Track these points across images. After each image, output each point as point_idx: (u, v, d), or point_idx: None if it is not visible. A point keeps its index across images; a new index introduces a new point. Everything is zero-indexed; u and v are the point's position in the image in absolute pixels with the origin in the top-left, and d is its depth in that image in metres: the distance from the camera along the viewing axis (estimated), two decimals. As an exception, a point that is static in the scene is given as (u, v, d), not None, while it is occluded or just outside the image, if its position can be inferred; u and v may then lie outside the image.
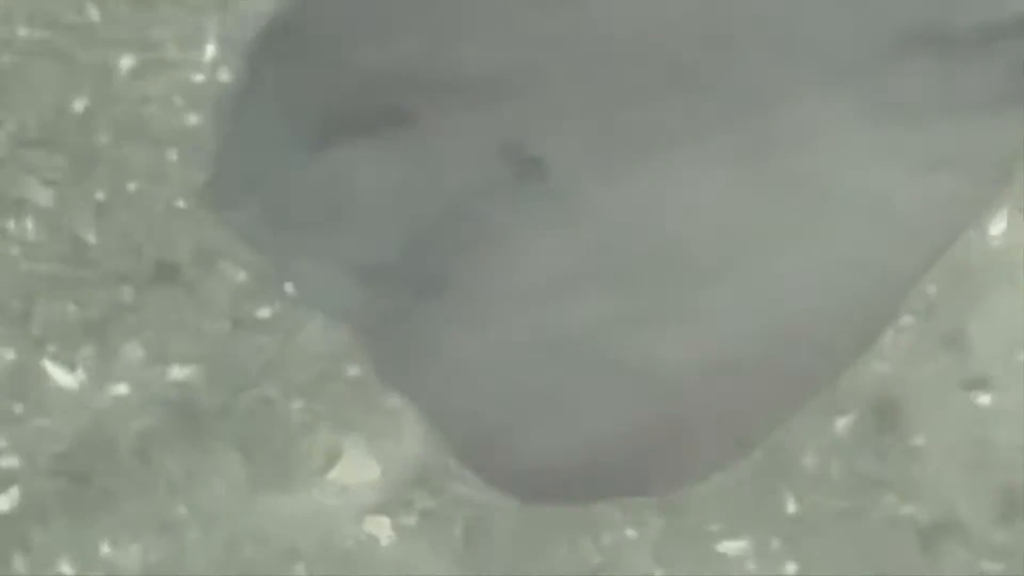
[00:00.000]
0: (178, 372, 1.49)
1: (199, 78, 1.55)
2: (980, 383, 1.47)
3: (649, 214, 1.45)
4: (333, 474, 1.46)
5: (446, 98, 1.44)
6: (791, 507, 1.45)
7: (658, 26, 1.48)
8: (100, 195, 1.54)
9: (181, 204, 1.52)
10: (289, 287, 1.45)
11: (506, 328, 1.44)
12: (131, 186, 1.54)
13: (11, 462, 1.51)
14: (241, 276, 1.50)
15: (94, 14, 1.57)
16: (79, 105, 1.55)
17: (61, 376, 1.50)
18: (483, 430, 1.44)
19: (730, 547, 1.44)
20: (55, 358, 1.50)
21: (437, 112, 1.44)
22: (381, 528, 1.46)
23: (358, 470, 1.46)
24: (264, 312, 1.48)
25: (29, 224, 1.54)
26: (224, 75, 1.53)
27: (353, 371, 1.47)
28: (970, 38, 1.46)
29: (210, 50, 1.55)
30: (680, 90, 1.48)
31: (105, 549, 1.46)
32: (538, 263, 1.46)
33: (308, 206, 1.45)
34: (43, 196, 1.54)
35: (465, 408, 1.45)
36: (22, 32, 1.58)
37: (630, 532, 1.43)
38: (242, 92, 1.51)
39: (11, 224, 1.54)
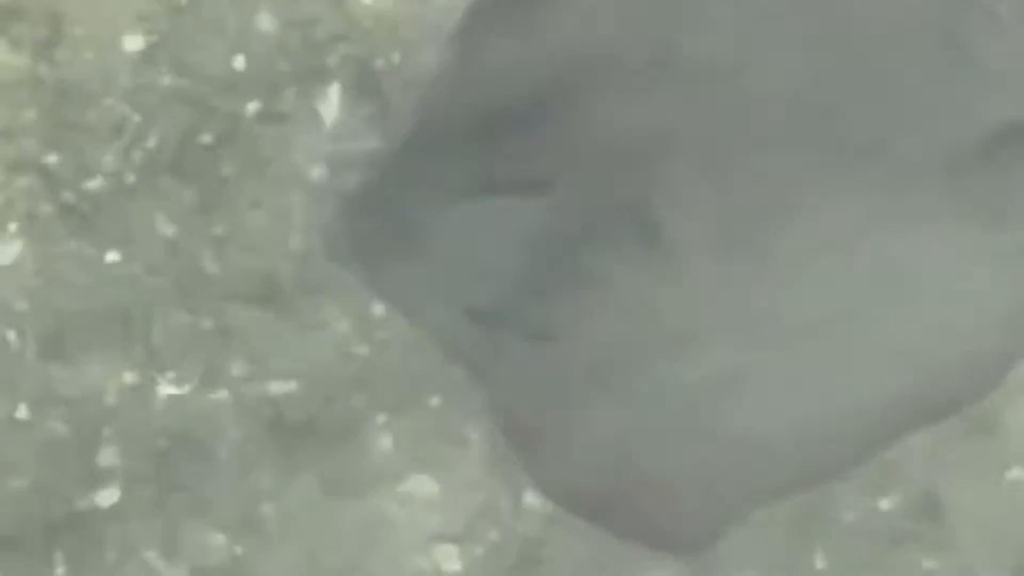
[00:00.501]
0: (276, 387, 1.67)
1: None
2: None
3: (753, 282, 1.60)
4: (403, 488, 1.62)
5: (580, 161, 1.59)
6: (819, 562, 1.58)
7: (780, 98, 1.61)
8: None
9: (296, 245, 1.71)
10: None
11: (604, 376, 1.58)
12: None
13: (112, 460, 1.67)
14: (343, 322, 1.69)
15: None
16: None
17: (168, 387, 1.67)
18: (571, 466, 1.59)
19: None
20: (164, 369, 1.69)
21: (572, 174, 1.58)
22: (448, 556, 1.62)
23: (425, 490, 1.62)
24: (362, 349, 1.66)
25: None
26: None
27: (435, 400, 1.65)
28: None
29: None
30: (795, 167, 1.61)
31: (192, 537, 1.64)
32: (641, 317, 1.59)
33: (438, 249, 1.58)
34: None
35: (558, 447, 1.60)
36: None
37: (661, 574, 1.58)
38: (404, 141, 1.63)
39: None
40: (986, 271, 1.59)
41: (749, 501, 1.58)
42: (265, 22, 1.66)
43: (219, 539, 1.60)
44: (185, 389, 1.63)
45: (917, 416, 1.59)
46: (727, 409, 1.57)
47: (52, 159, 1.67)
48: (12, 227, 1.66)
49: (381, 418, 1.61)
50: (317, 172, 1.65)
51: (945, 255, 1.58)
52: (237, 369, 1.63)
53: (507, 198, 1.56)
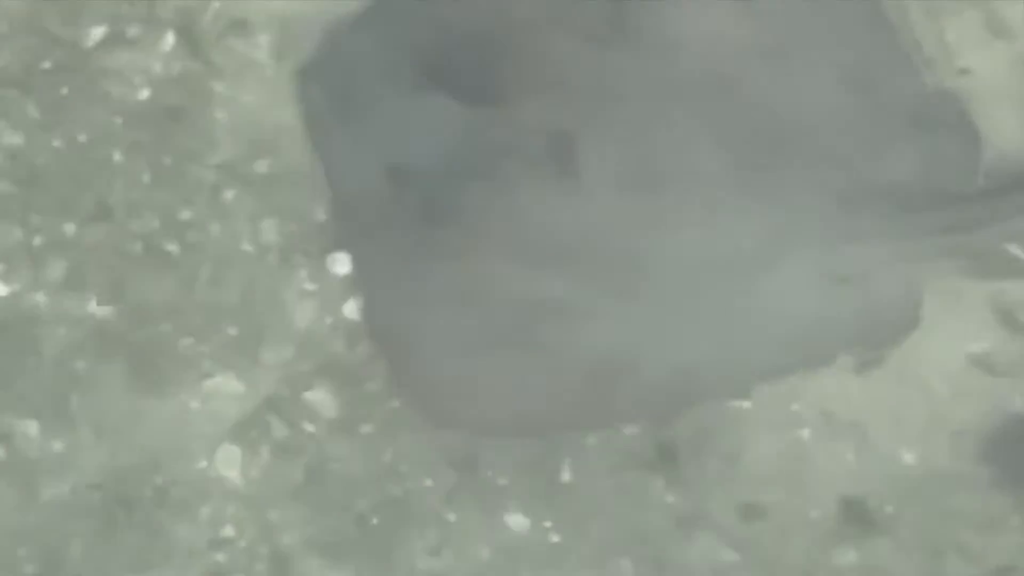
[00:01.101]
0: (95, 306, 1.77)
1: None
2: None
3: (644, 228, 1.71)
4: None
5: (521, 88, 1.74)
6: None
7: (713, 87, 1.75)
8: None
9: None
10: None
11: (475, 281, 1.70)
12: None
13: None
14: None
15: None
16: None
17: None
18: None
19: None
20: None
21: (513, 95, 1.73)
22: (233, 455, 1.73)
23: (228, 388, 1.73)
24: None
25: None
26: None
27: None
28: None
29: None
30: (712, 158, 1.73)
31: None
32: (534, 231, 1.71)
33: (379, 122, 1.74)
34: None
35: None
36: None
37: (428, 482, 1.68)
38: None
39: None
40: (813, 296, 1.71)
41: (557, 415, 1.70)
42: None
43: (32, 428, 1.70)
44: (14, 287, 1.75)
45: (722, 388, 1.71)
46: (562, 333, 1.68)
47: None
48: None
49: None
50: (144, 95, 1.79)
51: (794, 276, 1.71)
52: (57, 272, 1.74)
53: (451, 99, 1.70)
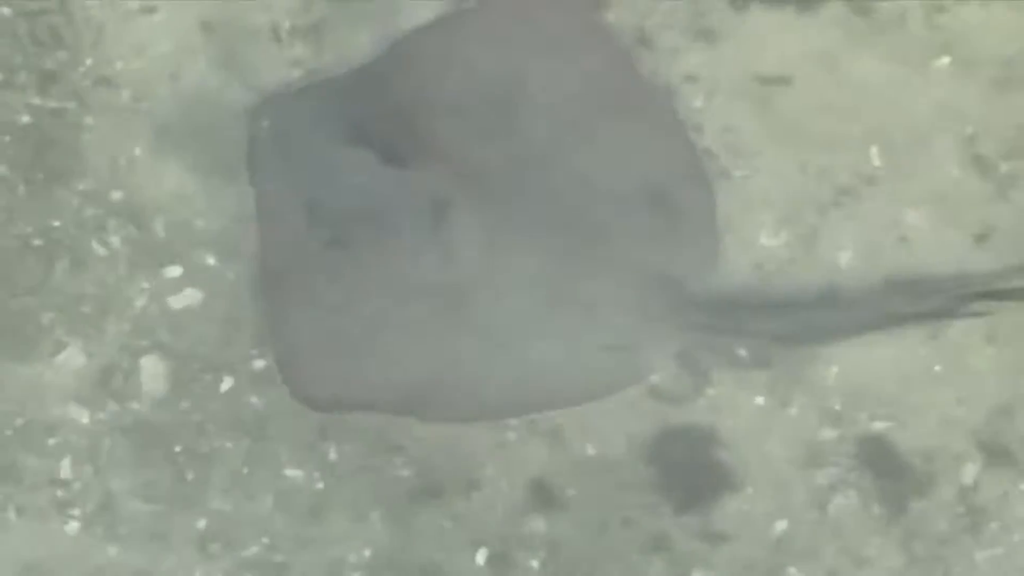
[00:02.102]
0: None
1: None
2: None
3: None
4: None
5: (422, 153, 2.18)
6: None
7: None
8: None
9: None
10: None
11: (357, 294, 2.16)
12: None
13: None
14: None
15: None
16: None
17: None
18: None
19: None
20: None
21: (415, 158, 2.17)
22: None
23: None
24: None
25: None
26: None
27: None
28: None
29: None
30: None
31: None
32: (406, 269, 2.16)
33: (304, 160, 2.17)
34: None
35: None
36: None
37: (228, 444, 2.16)
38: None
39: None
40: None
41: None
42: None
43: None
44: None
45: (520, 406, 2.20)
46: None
47: None
48: None
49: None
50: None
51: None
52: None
53: (369, 156, 2.13)
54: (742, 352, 2.19)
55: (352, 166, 2.17)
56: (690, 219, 2.20)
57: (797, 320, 2.20)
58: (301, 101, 2.22)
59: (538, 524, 2.20)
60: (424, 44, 2.23)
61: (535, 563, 2.19)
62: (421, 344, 2.18)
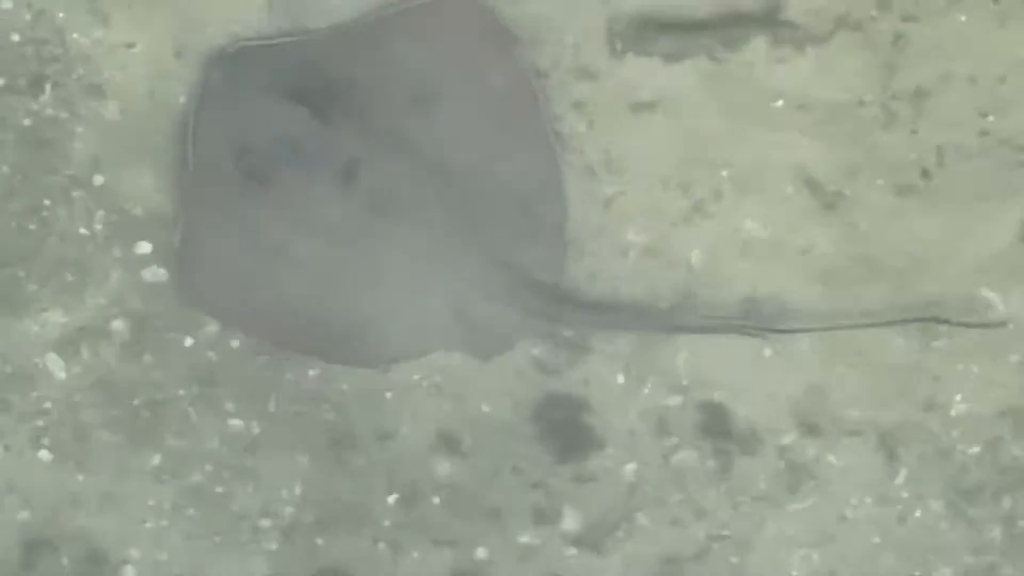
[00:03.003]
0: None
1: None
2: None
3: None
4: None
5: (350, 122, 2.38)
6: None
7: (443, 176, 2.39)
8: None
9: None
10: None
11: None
12: None
13: None
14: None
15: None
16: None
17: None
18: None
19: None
20: None
21: (336, 121, 2.36)
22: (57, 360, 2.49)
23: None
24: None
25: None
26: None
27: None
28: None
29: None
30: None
31: None
32: (317, 212, 2.36)
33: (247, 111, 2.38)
34: None
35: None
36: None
37: (181, 392, 2.47)
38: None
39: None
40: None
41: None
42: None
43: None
44: None
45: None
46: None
47: None
48: None
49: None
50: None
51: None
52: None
53: (302, 112, 2.35)
54: (567, 334, 2.45)
55: (285, 118, 2.35)
56: (546, 225, 2.42)
57: (625, 317, 2.46)
58: (251, 59, 2.38)
59: (442, 468, 2.49)
60: (367, 29, 2.39)
61: (437, 500, 2.49)
62: (307, 280, 2.39)
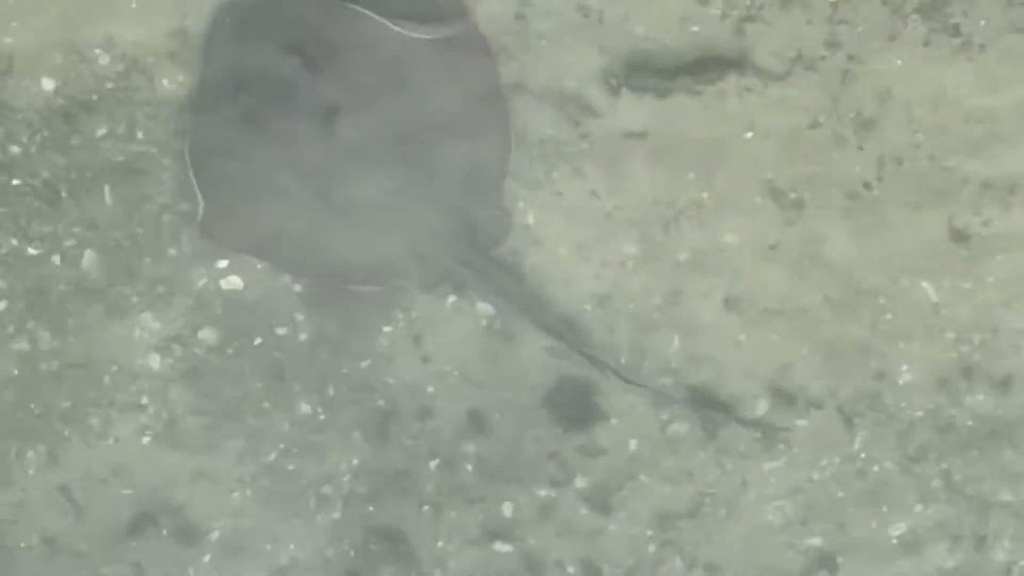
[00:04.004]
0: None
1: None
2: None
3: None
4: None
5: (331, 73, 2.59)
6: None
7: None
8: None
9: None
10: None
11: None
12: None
13: None
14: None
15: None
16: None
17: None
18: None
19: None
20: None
21: (326, 72, 2.57)
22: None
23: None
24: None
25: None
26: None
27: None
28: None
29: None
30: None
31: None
32: (302, 150, 2.59)
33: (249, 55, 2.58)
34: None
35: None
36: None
37: (258, 384, 2.79)
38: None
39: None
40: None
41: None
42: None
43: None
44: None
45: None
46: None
47: None
48: None
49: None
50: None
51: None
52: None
53: (295, 59, 2.55)
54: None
55: (280, 65, 2.54)
56: (488, 192, 2.64)
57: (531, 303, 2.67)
58: (258, 11, 2.56)
59: (472, 442, 2.73)
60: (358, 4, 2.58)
61: (470, 467, 2.73)
62: (293, 206, 2.60)
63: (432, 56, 2.58)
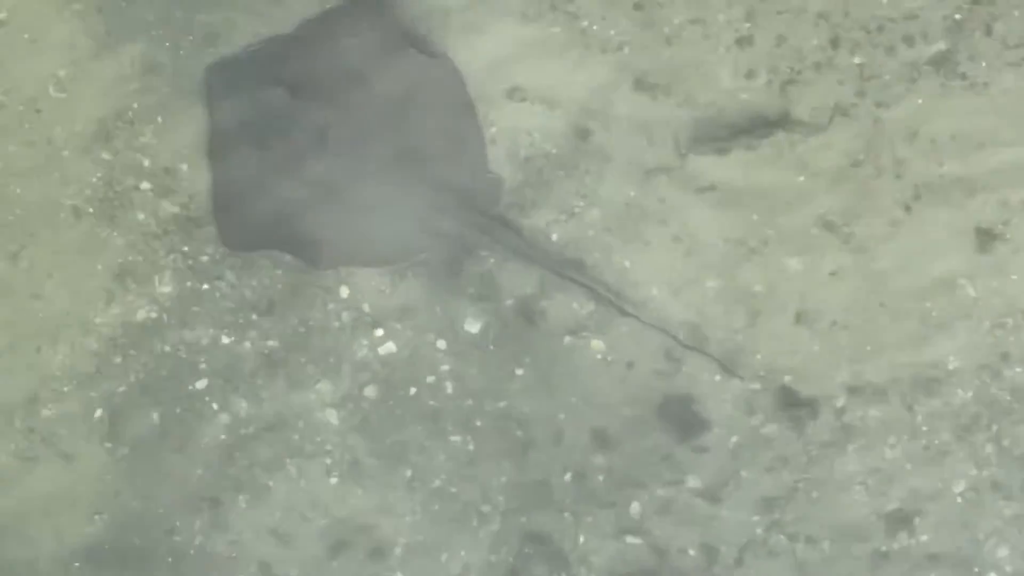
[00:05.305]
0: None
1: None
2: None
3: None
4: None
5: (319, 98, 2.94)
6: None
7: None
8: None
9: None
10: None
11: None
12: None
13: None
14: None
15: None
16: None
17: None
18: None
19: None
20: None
21: (314, 100, 2.93)
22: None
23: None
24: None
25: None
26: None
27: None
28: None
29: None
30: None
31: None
32: (299, 164, 2.93)
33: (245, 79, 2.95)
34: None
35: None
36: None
37: (418, 428, 3.19)
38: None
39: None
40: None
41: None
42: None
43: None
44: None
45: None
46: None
47: None
48: None
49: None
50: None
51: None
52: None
53: (282, 91, 2.90)
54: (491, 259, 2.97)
55: (271, 98, 2.86)
56: (470, 167, 2.94)
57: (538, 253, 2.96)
58: (243, 60, 2.88)
59: (598, 454, 3.00)
60: (324, 26, 2.90)
61: (601, 478, 2.99)
62: (302, 211, 2.90)
63: (404, 68, 2.90)
